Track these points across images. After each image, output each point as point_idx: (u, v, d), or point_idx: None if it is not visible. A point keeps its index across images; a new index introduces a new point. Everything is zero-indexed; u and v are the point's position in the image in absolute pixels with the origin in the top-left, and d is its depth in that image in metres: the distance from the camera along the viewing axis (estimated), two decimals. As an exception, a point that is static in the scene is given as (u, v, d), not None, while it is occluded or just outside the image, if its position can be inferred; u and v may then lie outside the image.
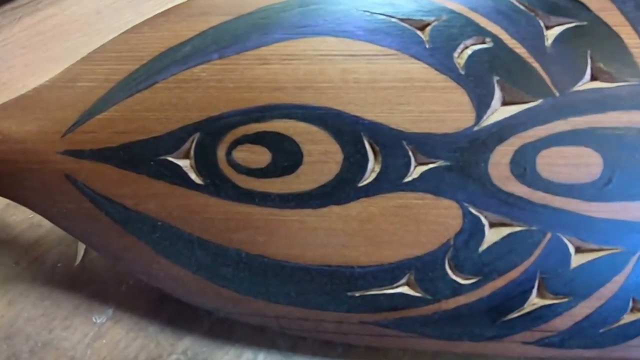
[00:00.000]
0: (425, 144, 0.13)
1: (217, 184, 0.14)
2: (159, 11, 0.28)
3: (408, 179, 0.13)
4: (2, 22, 0.28)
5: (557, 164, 0.13)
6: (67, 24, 0.28)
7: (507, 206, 0.13)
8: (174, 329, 0.16)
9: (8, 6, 0.29)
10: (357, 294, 0.14)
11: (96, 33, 0.27)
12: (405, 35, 0.13)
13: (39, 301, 0.17)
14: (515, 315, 0.14)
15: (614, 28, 0.13)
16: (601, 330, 0.14)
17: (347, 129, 0.13)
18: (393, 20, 0.13)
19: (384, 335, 0.15)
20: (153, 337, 0.16)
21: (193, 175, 0.14)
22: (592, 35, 0.13)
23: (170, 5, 0.30)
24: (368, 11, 0.13)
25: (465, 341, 0.15)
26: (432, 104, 0.13)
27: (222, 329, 0.17)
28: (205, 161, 0.14)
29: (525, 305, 0.14)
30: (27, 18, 0.28)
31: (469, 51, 0.13)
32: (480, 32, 0.13)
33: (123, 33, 0.15)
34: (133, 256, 0.15)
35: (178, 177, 0.14)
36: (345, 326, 0.15)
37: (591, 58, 0.13)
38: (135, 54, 0.14)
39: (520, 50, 0.13)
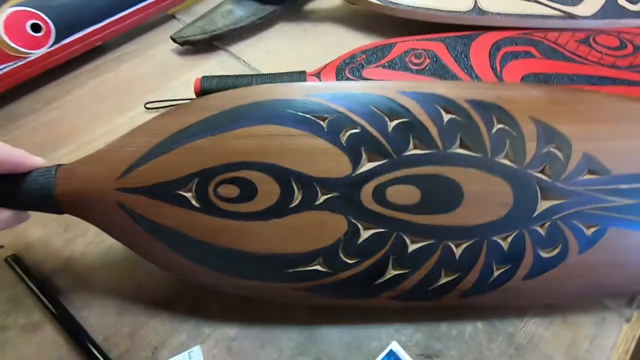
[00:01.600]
0: (326, 184, 0.23)
1: (208, 207, 0.23)
2: (183, 77, 0.37)
3: (317, 202, 0.23)
4: (74, 84, 0.39)
5: (397, 194, 0.23)
6: (119, 86, 0.39)
7: (372, 218, 0.23)
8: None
9: (77, 72, 0.40)
10: (290, 271, 0.24)
11: (138, 92, 0.38)
12: (314, 124, 0.23)
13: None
14: (380, 280, 0.24)
15: (423, 122, 0.23)
16: (430, 288, 0.24)
17: (283, 176, 0.23)
18: (307, 116, 0.23)
19: (309, 297, 0.24)
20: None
21: (194, 202, 0.23)
22: (413, 125, 0.23)
23: (184, 76, 0.39)
24: (294, 111, 0.23)
25: (356, 299, 0.25)
26: (329, 162, 0.23)
27: (211, 298, 0.26)
28: (201, 194, 0.23)
29: (386, 274, 0.24)
30: (91, 81, 0.39)
31: (348, 133, 0.23)
32: (354, 123, 0.23)
33: (155, 117, 0.24)
34: (158, 254, 0.24)
35: (185, 203, 0.23)
36: (287, 291, 0.24)
37: (412, 137, 0.23)
38: (161, 131, 0.23)
39: (375, 132, 0.23)
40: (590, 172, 0.23)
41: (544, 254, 0.23)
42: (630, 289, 0.25)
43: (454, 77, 0.35)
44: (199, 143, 0.23)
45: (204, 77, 0.36)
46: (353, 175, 0.23)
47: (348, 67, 0.37)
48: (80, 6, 0.38)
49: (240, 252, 0.23)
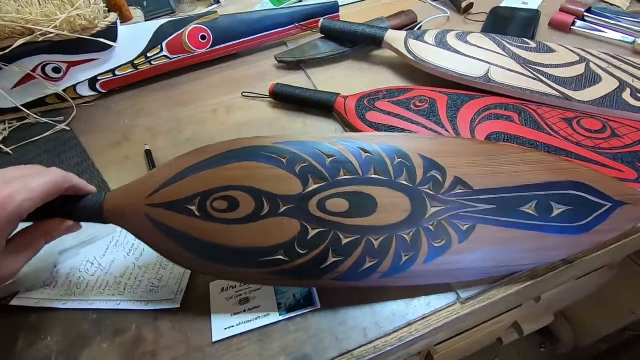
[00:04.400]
0: (285, 199, 0.34)
1: (206, 216, 0.33)
2: (270, 82, 0.58)
3: (280, 211, 0.34)
4: (210, 73, 0.64)
5: (333, 204, 0.34)
6: (233, 79, 0.62)
7: (317, 221, 0.33)
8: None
9: (215, 67, 0.64)
10: (261, 259, 0.33)
11: (242, 85, 0.60)
12: (278, 161, 0.35)
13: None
14: (324, 265, 0.33)
15: (349, 158, 0.35)
16: (359, 270, 0.33)
17: (257, 194, 0.34)
18: (273, 155, 0.35)
19: (274, 280, 0.33)
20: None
21: (196, 212, 0.33)
22: (342, 161, 0.35)
23: (272, 81, 0.58)
24: (265, 153, 0.35)
25: (308, 280, 0.34)
26: (288, 184, 0.34)
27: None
28: (201, 206, 0.33)
29: (328, 261, 0.33)
30: (221, 74, 0.63)
31: (300, 166, 0.34)
32: (304, 160, 0.35)
33: (176, 157, 0.36)
34: (169, 249, 0.33)
35: (190, 213, 0.33)
36: (258, 275, 0.33)
37: (341, 168, 0.35)
38: (178, 167, 0.35)
39: (317, 165, 0.34)
40: (460, 188, 0.34)
41: (435, 244, 0.33)
42: (499, 270, 0.35)
43: (439, 121, 0.46)
44: (202, 174, 0.34)
45: (277, 84, 0.56)
46: (303, 193, 0.34)
47: (368, 98, 0.50)
48: (230, 29, 0.62)
49: (226, 246, 0.33)
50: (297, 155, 0.35)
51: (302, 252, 0.33)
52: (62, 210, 0.34)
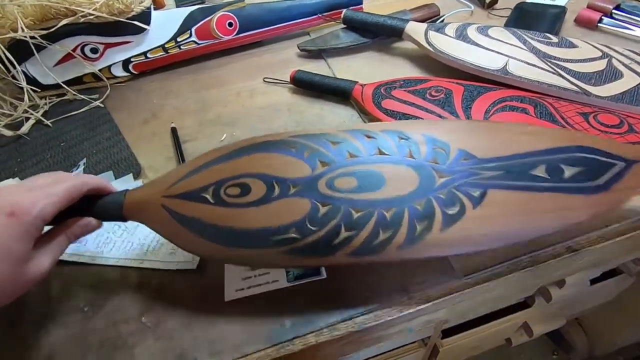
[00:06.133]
0: (295, 181, 0.35)
1: (219, 202, 0.34)
2: (292, 68, 0.61)
3: (290, 192, 0.34)
4: (236, 59, 0.67)
5: (341, 183, 0.34)
6: (257, 66, 0.65)
7: (327, 198, 0.34)
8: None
9: (241, 53, 0.68)
10: (274, 239, 0.32)
11: (264, 71, 0.63)
12: (287, 150, 0.37)
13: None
14: (337, 241, 0.32)
15: (353, 142, 0.37)
16: (373, 243, 0.32)
17: (268, 179, 0.35)
18: (283, 146, 0.37)
19: (288, 259, 0.32)
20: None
21: (211, 199, 0.34)
22: (346, 145, 0.36)
23: (293, 68, 0.61)
24: (274, 145, 0.37)
25: (321, 257, 0.32)
26: (297, 169, 0.35)
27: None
28: (215, 193, 0.35)
29: (340, 236, 0.32)
30: (246, 60, 0.67)
31: (308, 153, 0.36)
32: (311, 147, 0.36)
33: (195, 157, 0.38)
34: (183, 237, 0.34)
35: (205, 201, 0.34)
36: (272, 255, 0.32)
37: (347, 151, 0.36)
38: (196, 163, 0.37)
39: (324, 150, 0.36)
40: (465, 158, 0.35)
41: (449, 212, 0.33)
42: (517, 233, 0.32)
43: (453, 111, 0.47)
44: (217, 167, 0.36)
45: (298, 70, 0.58)
46: (312, 175, 0.35)
47: (385, 87, 0.52)
48: (255, 17, 0.65)
49: (240, 229, 0.33)
50: (305, 144, 0.37)
51: (313, 228, 0.33)
52: (84, 210, 0.35)
